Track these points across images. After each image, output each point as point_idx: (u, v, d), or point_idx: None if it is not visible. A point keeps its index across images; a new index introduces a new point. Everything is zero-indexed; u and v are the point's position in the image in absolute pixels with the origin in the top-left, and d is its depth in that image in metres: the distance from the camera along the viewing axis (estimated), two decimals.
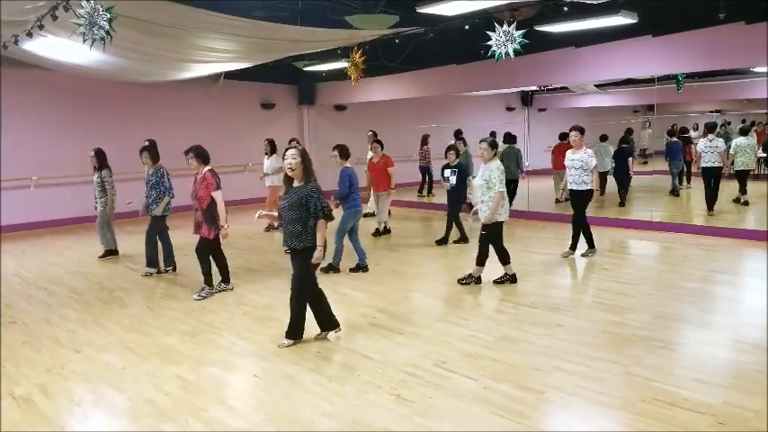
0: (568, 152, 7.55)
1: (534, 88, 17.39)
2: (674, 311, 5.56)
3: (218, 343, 5.00)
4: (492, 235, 6.32)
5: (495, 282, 6.47)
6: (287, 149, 4.62)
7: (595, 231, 7.88)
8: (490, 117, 18.23)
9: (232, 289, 6.48)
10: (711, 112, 21.13)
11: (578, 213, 7.57)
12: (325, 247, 4.64)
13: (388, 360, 4.47)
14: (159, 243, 7.41)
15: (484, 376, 4.17)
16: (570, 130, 7.50)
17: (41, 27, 6.46)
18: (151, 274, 7.31)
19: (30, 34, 6.86)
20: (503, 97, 18.83)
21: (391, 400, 3.85)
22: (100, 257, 8.33)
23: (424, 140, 14.05)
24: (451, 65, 11.18)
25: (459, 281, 6.52)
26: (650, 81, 14.03)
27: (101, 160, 8.06)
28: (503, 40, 6.54)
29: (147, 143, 9.05)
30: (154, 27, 6.40)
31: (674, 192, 12.93)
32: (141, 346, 4.95)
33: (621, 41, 8.78)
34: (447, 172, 8.60)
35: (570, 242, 7.75)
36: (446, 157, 8.74)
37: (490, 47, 6.62)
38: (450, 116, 16.60)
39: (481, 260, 6.40)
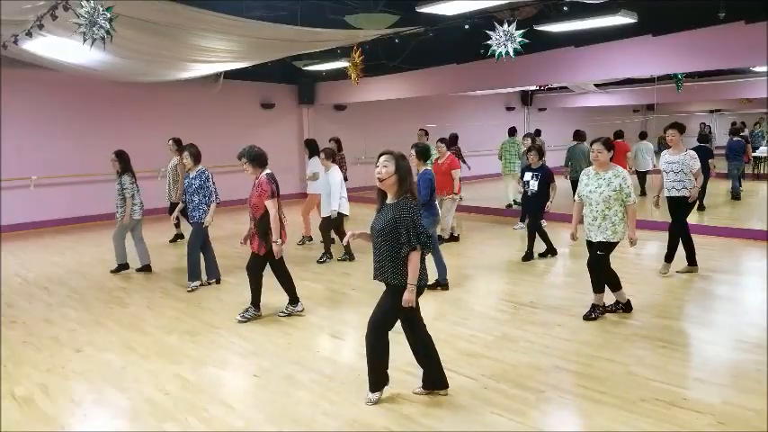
0: (665, 153, 6.66)
1: (534, 88, 17.39)
2: (674, 311, 5.56)
3: (218, 343, 5.01)
4: (608, 256, 5.32)
5: (607, 309, 5.42)
6: (381, 155, 3.68)
7: None
8: (490, 117, 18.25)
9: (302, 311, 5.69)
10: (711, 111, 21.18)
11: (677, 222, 6.66)
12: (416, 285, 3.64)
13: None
14: (201, 253, 6.73)
15: (484, 376, 4.17)
16: (666, 129, 6.62)
17: (41, 27, 6.45)
18: (196, 288, 6.58)
19: (29, 34, 6.85)
20: (503, 97, 18.85)
21: (392, 399, 3.86)
22: (112, 271, 7.48)
23: (454, 140, 13.60)
24: (451, 65, 11.18)
25: (585, 317, 5.36)
26: (650, 81, 14.06)
27: (124, 163, 7.21)
28: (503, 39, 6.54)
29: (171, 141, 8.94)
30: (154, 27, 6.39)
31: (735, 195, 12.44)
32: (142, 346, 4.95)
33: (621, 41, 8.78)
34: (527, 175, 7.78)
35: (666, 253, 6.80)
36: (528, 159, 8.02)
37: (490, 46, 6.62)
38: (450, 116, 16.61)
39: (617, 284, 5.43)
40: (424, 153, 6.24)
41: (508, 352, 4.63)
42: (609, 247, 5.26)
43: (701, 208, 11.09)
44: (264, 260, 5.49)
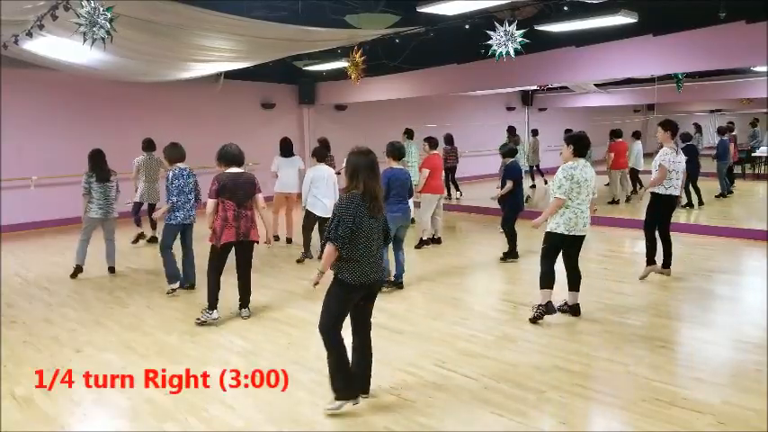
0: (668, 152, 6.31)
1: (534, 88, 17.38)
2: (673, 311, 5.57)
3: (218, 342, 5.01)
4: (543, 248, 5.32)
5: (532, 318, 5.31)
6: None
7: (598, 231, 7.83)
8: (490, 117, 18.24)
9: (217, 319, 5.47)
10: (712, 111, 21.18)
11: (665, 225, 6.55)
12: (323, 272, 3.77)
13: (388, 360, 4.46)
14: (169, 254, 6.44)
15: (484, 376, 4.18)
16: (659, 125, 6.44)
17: (41, 27, 6.45)
18: (178, 289, 6.46)
19: (30, 34, 6.85)
20: (503, 97, 18.84)
21: (392, 399, 3.86)
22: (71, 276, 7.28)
23: (449, 140, 13.25)
24: (452, 65, 11.18)
25: (531, 320, 5.32)
26: (650, 81, 14.05)
27: (90, 162, 7.02)
28: (503, 39, 6.54)
29: (143, 141, 9.12)
30: (154, 27, 6.40)
31: (724, 193, 12.66)
32: (142, 346, 4.95)
33: (622, 41, 8.77)
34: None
35: (663, 259, 6.56)
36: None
37: (490, 46, 6.62)
38: (450, 116, 16.61)
39: (548, 282, 5.31)
40: (394, 151, 6.24)
41: (508, 352, 4.63)
42: (545, 237, 5.29)
43: (689, 206, 11.20)
44: (214, 253, 5.42)
